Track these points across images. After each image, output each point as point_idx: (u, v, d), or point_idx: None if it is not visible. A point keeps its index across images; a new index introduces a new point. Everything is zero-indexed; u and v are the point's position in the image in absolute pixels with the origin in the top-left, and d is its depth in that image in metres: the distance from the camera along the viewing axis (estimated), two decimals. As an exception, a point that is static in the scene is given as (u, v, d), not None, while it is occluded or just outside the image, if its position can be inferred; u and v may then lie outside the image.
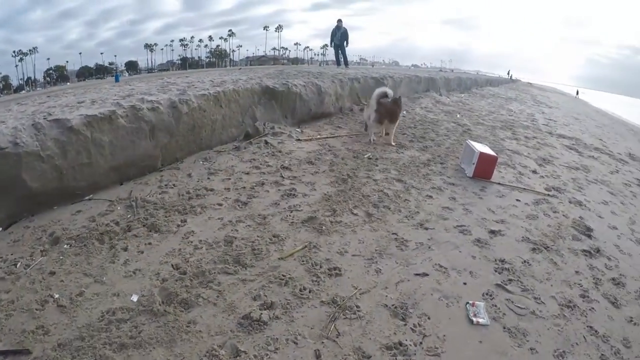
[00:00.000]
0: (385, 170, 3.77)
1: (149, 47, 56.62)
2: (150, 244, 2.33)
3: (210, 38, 61.01)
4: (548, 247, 2.69)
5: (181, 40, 59.18)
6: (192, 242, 2.38)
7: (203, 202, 2.89)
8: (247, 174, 3.51)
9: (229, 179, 3.39)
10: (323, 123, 5.60)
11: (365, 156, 4.12)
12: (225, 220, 2.67)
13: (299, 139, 4.48)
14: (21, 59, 44.52)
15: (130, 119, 3.20)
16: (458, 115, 7.54)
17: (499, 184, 3.74)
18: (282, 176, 3.45)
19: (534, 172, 4.36)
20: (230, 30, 61.85)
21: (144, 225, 2.51)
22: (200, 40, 60.78)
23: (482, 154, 3.72)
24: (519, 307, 2.13)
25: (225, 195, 3.08)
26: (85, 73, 48.09)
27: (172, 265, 2.14)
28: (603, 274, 2.55)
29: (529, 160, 4.81)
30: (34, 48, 45.71)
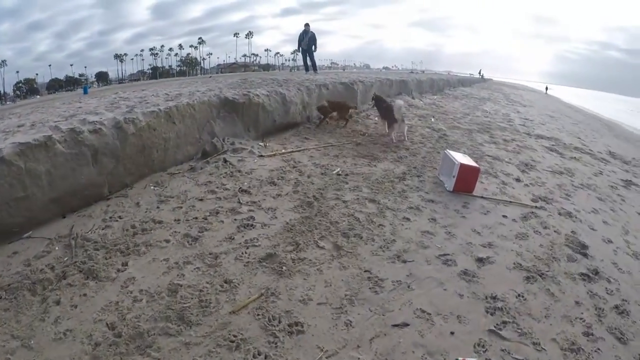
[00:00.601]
0: (357, 188, 3.39)
1: (119, 57, 56.17)
2: (85, 295, 2.04)
3: (181, 47, 61.05)
4: (543, 274, 2.37)
5: (151, 49, 58.92)
6: (131, 292, 2.07)
7: (149, 239, 2.55)
8: (201, 200, 3.08)
9: (181, 207, 2.97)
10: (290, 134, 5.20)
11: (334, 172, 3.73)
12: (172, 262, 2.33)
13: (261, 155, 4.06)
14: None
15: (69, 144, 2.86)
16: (432, 119, 7.31)
17: (482, 197, 3.43)
18: (239, 201, 3.03)
19: (518, 180, 4.10)
20: (200, 38, 62.13)
21: (80, 271, 2.21)
22: (171, 49, 60.80)
23: (462, 166, 3.40)
24: (517, 358, 1.78)
25: (175, 228, 2.69)
26: (55, 85, 46.75)
27: (106, 324, 1.85)
28: (605, 301, 2.26)
29: (511, 167, 4.57)
30: (2, 61, 43.74)
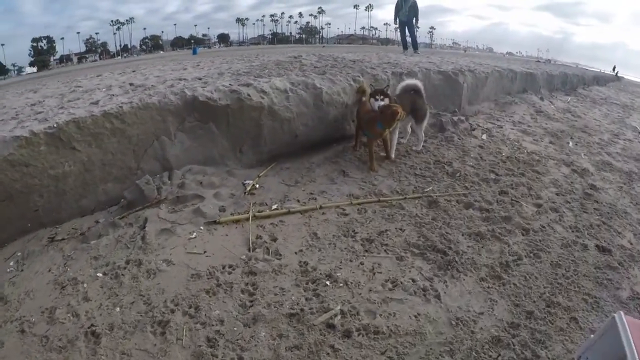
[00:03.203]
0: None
1: (240, 21, 59.43)
2: None
3: (300, 15, 62.44)
4: None
5: (272, 15, 61.01)
6: None
7: None
8: (48, 317, 1.64)
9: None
10: (321, 161, 3.25)
11: (322, 319, 1.74)
12: None
13: (215, 222, 2.31)
14: (118, 28, 50.12)
15: None
16: (570, 144, 4.40)
17: None
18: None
19: None
20: (320, 8, 62.28)
21: None
22: (291, 17, 62.64)
23: None
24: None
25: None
26: (178, 43, 51.81)
27: None
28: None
29: None
30: (130, 18, 51.21)
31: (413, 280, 1.94)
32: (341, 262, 2.06)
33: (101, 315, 1.69)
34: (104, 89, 3.00)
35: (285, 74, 3.57)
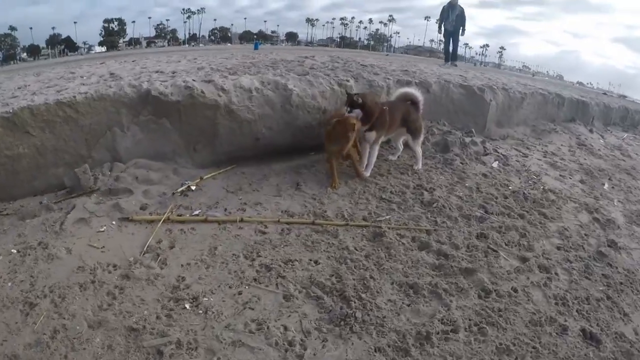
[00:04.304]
0: None
1: (310, 21, 60.55)
2: None
3: (371, 21, 62.67)
4: None
5: (342, 19, 61.72)
6: None
7: None
8: None
9: None
10: (284, 167, 3.09)
11: None
12: None
13: (128, 219, 2.33)
14: (189, 17, 53.46)
15: None
16: (605, 186, 3.63)
17: None
18: None
19: None
20: (390, 16, 62.03)
21: None
22: (361, 22, 62.96)
23: None
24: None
25: None
26: (246, 37, 54.08)
27: None
28: None
29: None
30: (202, 8, 55.08)
31: (285, 329, 1.70)
32: (219, 286, 1.92)
33: None
34: (81, 77, 3.24)
35: (266, 72, 3.45)
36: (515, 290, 2.04)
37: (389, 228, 2.44)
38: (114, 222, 2.33)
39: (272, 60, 4.23)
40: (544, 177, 3.49)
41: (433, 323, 1.76)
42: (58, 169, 2.67)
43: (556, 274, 2.22)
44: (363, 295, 1.87)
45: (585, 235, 2.66)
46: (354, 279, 1.99)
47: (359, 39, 61.81)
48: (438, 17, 8.22)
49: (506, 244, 2.44)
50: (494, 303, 1.93)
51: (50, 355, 1.52)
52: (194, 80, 3.01)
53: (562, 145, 4.56)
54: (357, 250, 2.24)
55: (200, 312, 1.76)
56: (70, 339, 1.58)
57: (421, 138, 3.33)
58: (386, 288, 1.96)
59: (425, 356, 1.61)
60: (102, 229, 2.27)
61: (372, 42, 60.55)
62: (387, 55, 11.84)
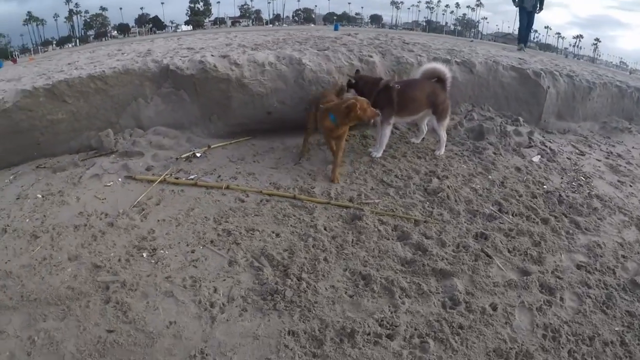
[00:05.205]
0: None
1: (394, 4, 59.85)
2: None
3: (457, 5, 60.41)
4: None
5: (427, 2, 60.24)
6: None
7: None
8: None
9: None
10: (294, 142, 3.14)
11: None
12: None
13: (132, 177, 2.66)
14: None
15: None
16: None
17: None
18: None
19: None
20: (478, 1, 58.42)
21: None
22: (447, 6, 60.61)
23: None
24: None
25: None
26: (329, 18, 55.17)
27: None
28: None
29: None
30: None
31: (214, 290, 1.79)
32: (179, 243, 2.11)
33: (10, 218, 2.32)
34: (122, 54, 3.73)
35: (286, 47, 3.49)
36: (494, 308, 1.75)
37: (371, 212, 2.33)
38: (120, 179, 2.68)
39: (306, 37, 4.25)
40: (596, 180, 2.90)
41: (366, 322, 1.64)
42: (90, 132, 3.15)
43: (561, 298, 1.85)
44: (304, 276, 1.85)
45: (624, 257, 2.15)
46: (305, 258, 1.97)
47: (445, 23, 59.65)
48: None
49: (509, 251, 2.13)
50: (457, 317, 1.69)
51: (33, 276, 1.87)
52: (212, 55, 3.23)
53: (633, 147, 3.77)
54: (325, 230, 2.19)
55: (152, 261, 1.96)
56: (51, 266, 1.93)
57: (446, 121, 3.04)
58: (335, 273, 1.90)
59: (339, 355, 1.50)
60: (109, 184, 2.64)
61: (458, 28, 58.05)
62: (472, 41, 10.83)
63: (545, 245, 2.18)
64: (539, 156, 3.09)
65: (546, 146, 3.26)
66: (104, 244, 2.09)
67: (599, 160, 3.31)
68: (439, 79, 2.99)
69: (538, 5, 6.79)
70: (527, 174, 2.87)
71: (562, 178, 2.90)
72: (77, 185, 2.64)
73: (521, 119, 3.49)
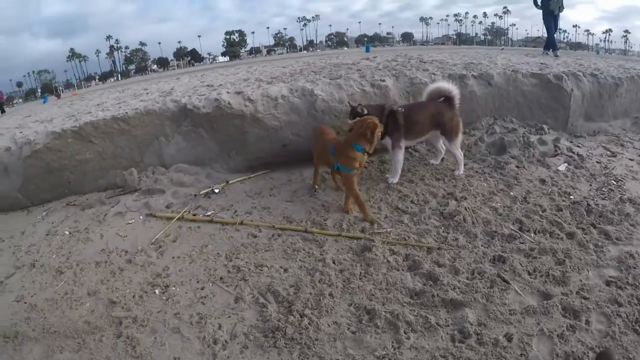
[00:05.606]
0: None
1: (424, 20, 62.34)
2: None
3: (485, 15, 63.10)
4: None
5: (455, 15, 62.17)
6: None
7: None
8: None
9: None
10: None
11: None
12: None
13: (152, 215, 2.79)
14: (305, 24, 59.30)
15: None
16: None
17: None
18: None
19: None
20: (505, 8, 60.74)
21: None
22: (475, 17, 63.16)
23: None
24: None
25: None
26: (361, 40, 56.96)
27: None
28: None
29: None
30: (316, 15, 59.77)
31: (219, 327, 1.82)
32: (190, 279, 2.18)
33: (39, 254, 2.52)
34: (147, 94, 4.00)
35: (300, 78, 3.62)
36: (509, 339, 1.64)
37: (382, 242, 2.29)
38: (141, 217, 2.84)
39: (323, 66, 4.39)
40: (629, 182, 2.72)
41: (366, 359, 1.59)
42: (117, 171, 3.38)
43: (587, 321, 1.71)
44: (307, 312, 1.83)
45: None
46: (310, 293, 1.96)
47: (475, 34, 60.76)
48: None
49: (529, 273, 2.01)
50: (467, 351, 1.59)
51: (55, 309, 2.01)
52: (227, 92, 3.41)
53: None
54: (334, 263, 2.18)
55: (164, 298, 2.03)
56: (72, 300, 2.07)
57: (458, 139, 2.99)
58: (340, 308, 1.87)
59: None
60: (131, 222, 2.79)
61: (488, 37, 58.75)
62: (502, 49, 10.70)
63: (570, 262, 2.04)
64: (566, 164, 2.95)
65: (573, 152, 3.12)
66: (122, 280, 2.20)
67: (631, 160, 3.13)
68: (446, 97, 2.97)
69: (561, 5, 6.64)
70: (552, 186, 2.74)
71: (590, 185, 2.75)
72: (102, 222, 2.82)
73: (546, 127, 3.37)
